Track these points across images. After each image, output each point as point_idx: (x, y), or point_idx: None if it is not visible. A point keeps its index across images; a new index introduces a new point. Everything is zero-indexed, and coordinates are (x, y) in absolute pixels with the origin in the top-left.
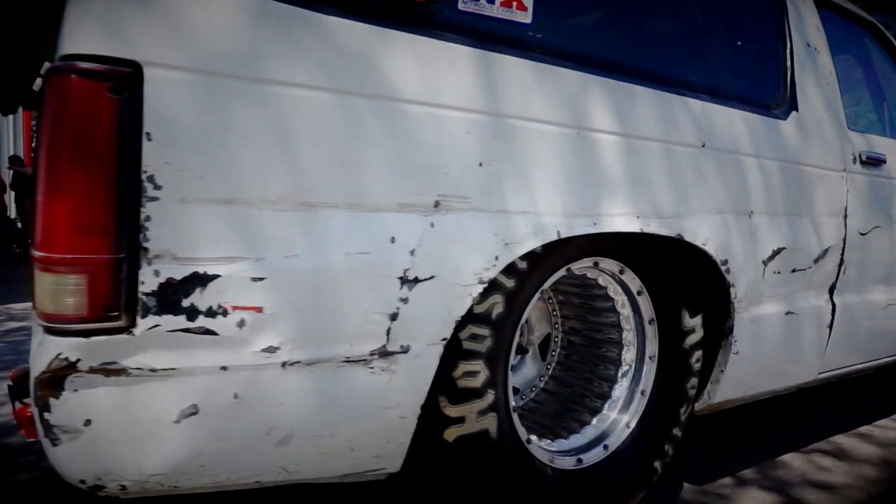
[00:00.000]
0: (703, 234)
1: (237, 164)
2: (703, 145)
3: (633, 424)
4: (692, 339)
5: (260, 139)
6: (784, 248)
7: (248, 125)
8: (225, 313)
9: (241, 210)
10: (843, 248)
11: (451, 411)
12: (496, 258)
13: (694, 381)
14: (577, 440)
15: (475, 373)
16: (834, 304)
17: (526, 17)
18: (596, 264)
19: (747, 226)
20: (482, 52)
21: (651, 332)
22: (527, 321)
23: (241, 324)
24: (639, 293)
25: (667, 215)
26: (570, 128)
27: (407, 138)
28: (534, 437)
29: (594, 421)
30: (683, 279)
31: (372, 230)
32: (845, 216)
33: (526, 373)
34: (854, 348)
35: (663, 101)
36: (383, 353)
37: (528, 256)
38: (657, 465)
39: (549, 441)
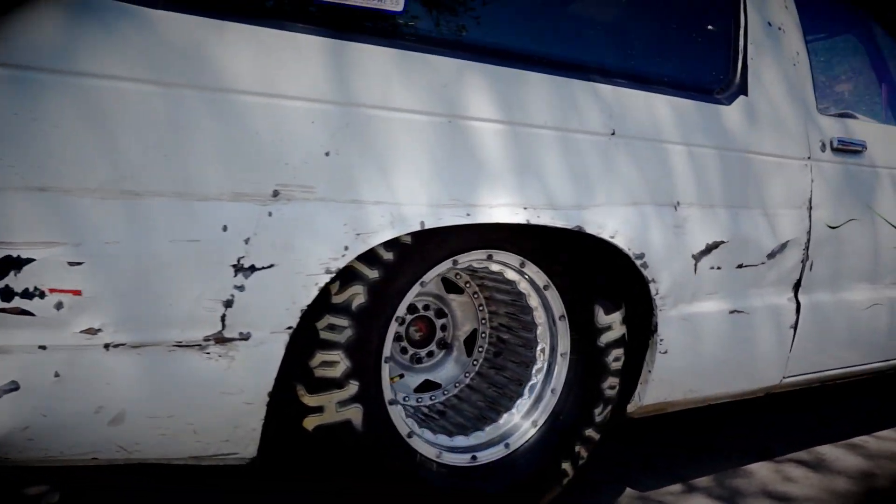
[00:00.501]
0: (611, 226)
1: (52, 154)
2: (613, 133)
3: (540, 423)
4: (608, 336)
5: (76, 130)
6: (723, 242)
7: (62, 117)
8: (42, 295)
9: (59, 197)
10: (808, 243)
11: (309, 400)
12: (346, 248)
13: (612, 380)
14: (477, 437)
15: (333, 363)
16: (799, 303)
17: (397, 5)
18: (490, 257)
19: (671, 218)
20: (336, 41)
21: (562, 328)
22: (450, 317)
23: (59, 306)
24: (545, 287)
25: (564, 206)
26: (440, 116)
27: (240, 129)
28: (427, 432)
29: (501, 419)
30: (597, 274)
31: (201, 219)
32: (810, 208)
33: (449, 369)
34: (830, 352)
35: (562, 88)
36: (220, 340)
37: (396, 247)
38: (566, 466)
39: (446, 437)
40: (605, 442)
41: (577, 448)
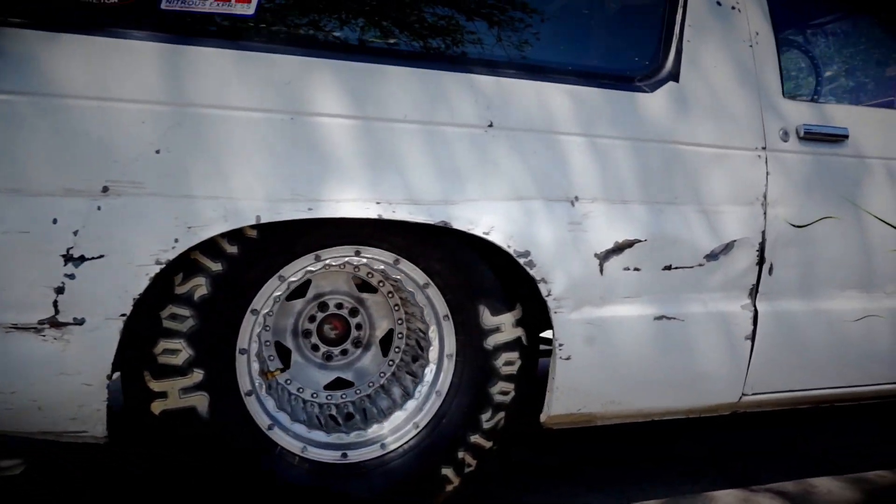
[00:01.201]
0: (486, 221)
1: None
2: (491, 125)
3: (422, 425)
4: (497, 339)
5: None
6: (639, 241)
7: None
8: None
9: None
10: (762, 244)
11: (154, 385)
12: (175, 240)
13: (504, 385)
14: (359, 435)
15: (176, 351)
16: (756, 312)
17: (248, 9)
18: (357, 253)
19: (566, 214)
20: (172, 46)
21: (448, 328)
22: (365, 316)
23: None
24: (426, 286)
25: (427, 201)
26: (281, 113)
27: (71, 131)
28: (300, 427)
29: (388, 419)
30: (481, 273)
31: (32, 212)
32: (765, 204)
33: (364, 368)
34: (808, 369)
35: (428, 81)
36: (54, 324)
37: (240, 241)
38: (449, 472)
39: (323, 434)
40: (520, 451)
41: (460, 454)
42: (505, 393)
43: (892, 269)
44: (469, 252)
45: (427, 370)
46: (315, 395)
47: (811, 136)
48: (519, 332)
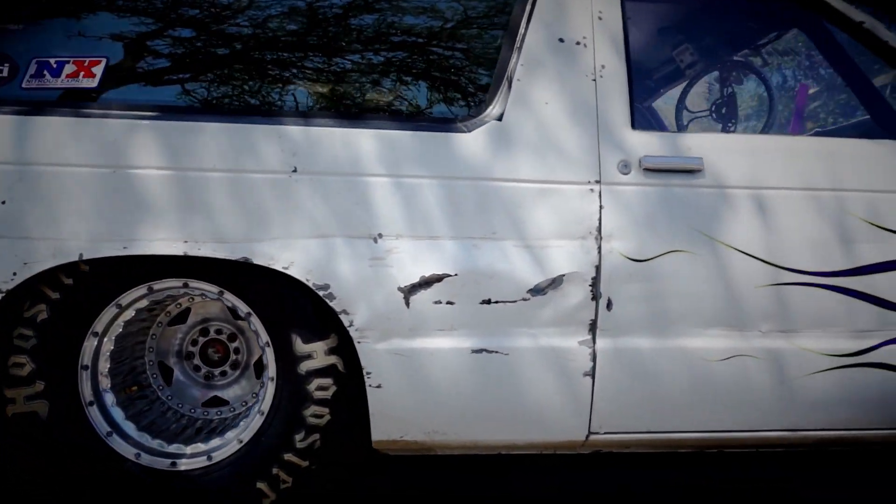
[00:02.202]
0: (286, 257)
1: None
2: (295, 170)
3: (245, 441)
4: (309, 365)
5: None
6: (449, 275)
7: None
8: None
9: None
10: (596, 278)
11: (8, 393)
12: (14, 273)
13: (317, 409)
14: (195, 448)
15: (21, 364)
16: (595, 348)
17: (93, 82)
18: (185, 284)
19: (369, 250)
20: (25, 117)
21: (270, 354)
22: (242, 341)
23: None
24: (249, 315)
25: (231, 240)
26: (105, 167)
27: None
28: (147, 436)
29: (226, 434)
30: (292, 305)
31: None
32: (599, 238)
33: (240, 388)
34: (666, 409)
35: (239, 134)
36: None
37: (76, 274)
38: (263, 486)
39: (162, 442)
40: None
41: (275, 470)
42: (319, 416)
43: (767, 306)
44: (283, 285)
45: (259, 391)
46: (193, 411)
47: (656, 168)
48: (333, 359)
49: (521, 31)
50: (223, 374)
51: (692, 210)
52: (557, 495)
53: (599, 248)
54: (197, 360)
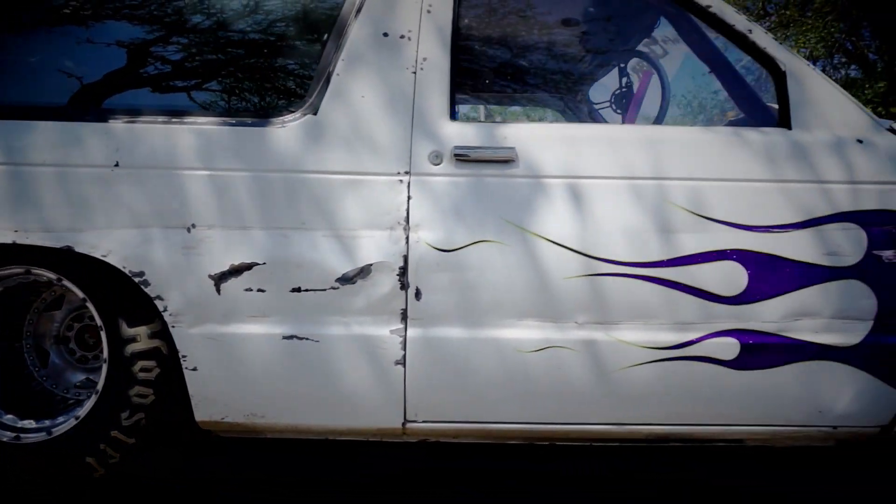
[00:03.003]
0: (105, 246)
1: None
2: (117, 164)
3: (81, 417)
4: (133, 347)
5: None
6: (258, 264)
7: None
8: None
9: None
10: (404, 268)
11: None
12: None
13: (141, 389)
14: (40, 423)
15: None
16: (406, 337)
17: None
18: (28, 271)
19: (182, 239)
20: None
21: (104, 337)
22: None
23: None
24: (85, 301)
25: (57, 229)
26: None
27: None
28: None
29: (70, 412)
30: (116, 291)
31: None
32: (407, 228)
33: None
34: (482, 400)
35: (68, 131)
36: None
37: None
38: (92, 461)
39: (14, 417)
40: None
41: (102, 446)
42: (143, 396)
43: (582, 297)
44: (107, 273)
45: (99, 374)
46: (67, 392)
47: (469, 159)
48: (157, 342)
49: (349, 25)
50: (96, 357)
51: (503, 200)
52: (401, 480)
53: (407, 238)
54: (73, 345)
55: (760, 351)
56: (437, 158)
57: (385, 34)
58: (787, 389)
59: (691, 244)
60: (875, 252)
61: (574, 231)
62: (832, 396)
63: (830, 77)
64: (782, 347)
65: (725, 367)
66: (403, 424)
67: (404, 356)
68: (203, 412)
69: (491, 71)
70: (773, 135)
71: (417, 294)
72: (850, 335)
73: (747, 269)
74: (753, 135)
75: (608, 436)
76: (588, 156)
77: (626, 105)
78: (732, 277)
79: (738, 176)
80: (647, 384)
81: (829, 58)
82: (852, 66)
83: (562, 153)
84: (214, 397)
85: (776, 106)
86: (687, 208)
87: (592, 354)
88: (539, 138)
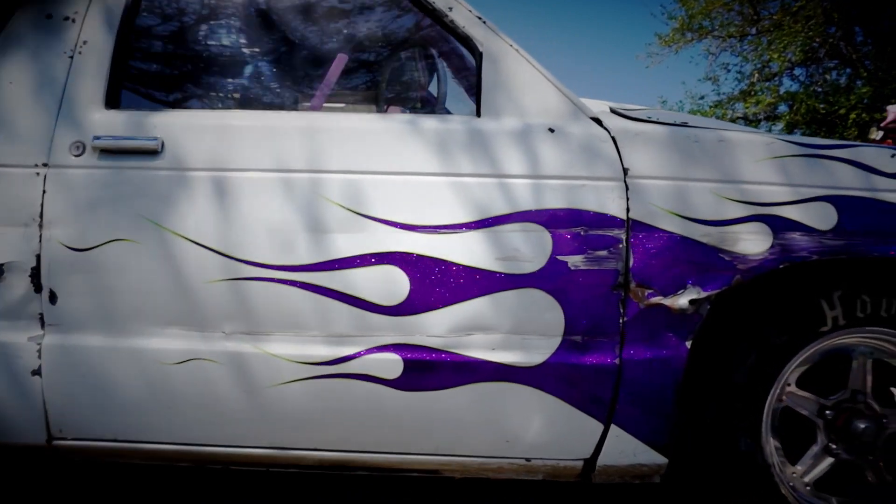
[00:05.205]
0: None
1: None
2: None
3: None
4: None
5: None
6: None
7: None
8: None
9: None
10: (38, 268)
11: None
12: None
13: None
14: None
15: None
16: (42, 345)
17: None
18: None
19: None
20: None
21: None
22: None
23: None
24: None
25: None
26: None
27: None
28: None
29: None
30: None
31: None
32: (41, 225)
33: None
34: (130, 418)
35: None
36: None
37: None
38: None
39: None
40: None
41: None
42: None
43: (226, 304)
44: None
45: None
46: None
47: (110, 149)
48: None
49: (18, 6)
50: None
51: (142, 195)
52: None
53: (41, 236)
54: None
55: (426, 369)
56: (78, 150)
57: (49, 15)
58: (463, 414)
59: (347, 246)
60: (560, 257)
61: (215, 230)
62: (518, 424)
63: (818, 82)
64: (452, 366)
65: (388, 388)
66: (49, 442)
67: (40, 366)
68: None
69: (172, 56)
70: (453, 123)
71: (52, 297)
72: (532, 353)
73: (409, 275)
74: (430, 123)
75: (271, 460)
76: (240, 147)
77: (313, 90)
78: (393, 284)
79: (403, 169)
80: (303, 404)
81: (807, 64)
82: (845, 70)
83: (212, 144)
84: None
85: None
86: (343, 205)
87: (240, 369)
88: (191, 128)
